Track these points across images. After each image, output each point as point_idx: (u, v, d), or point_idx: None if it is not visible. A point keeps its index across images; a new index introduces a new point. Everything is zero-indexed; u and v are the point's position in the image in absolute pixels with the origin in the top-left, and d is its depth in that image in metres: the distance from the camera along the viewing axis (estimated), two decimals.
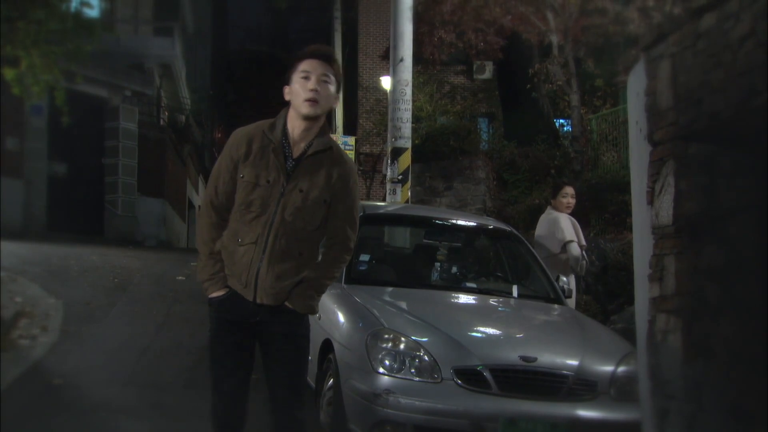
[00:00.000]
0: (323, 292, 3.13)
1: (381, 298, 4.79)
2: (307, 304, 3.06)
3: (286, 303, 3.01)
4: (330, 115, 19.70)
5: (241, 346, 3.06)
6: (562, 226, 6.62)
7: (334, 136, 17.98)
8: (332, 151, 3.05)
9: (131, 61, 16.33)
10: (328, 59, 3.00)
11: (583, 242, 6.86)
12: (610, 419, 3.90)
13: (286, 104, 3.10)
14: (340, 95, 2.99)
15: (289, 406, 3.06)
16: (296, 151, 3.01)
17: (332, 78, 2.99)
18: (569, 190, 6.85)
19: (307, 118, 2.98)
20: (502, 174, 13.23)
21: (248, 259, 2.95)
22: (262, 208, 2.95)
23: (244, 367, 3.09)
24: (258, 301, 2.97)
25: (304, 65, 2.98)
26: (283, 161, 2.98)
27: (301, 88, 2.95)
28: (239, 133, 3.06)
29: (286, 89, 3.03)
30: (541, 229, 6.84)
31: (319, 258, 3.11)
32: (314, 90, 2.93)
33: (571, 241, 6.56)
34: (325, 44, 3.10)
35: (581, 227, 6.94)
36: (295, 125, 3.01)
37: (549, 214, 6.82)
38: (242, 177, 2.97)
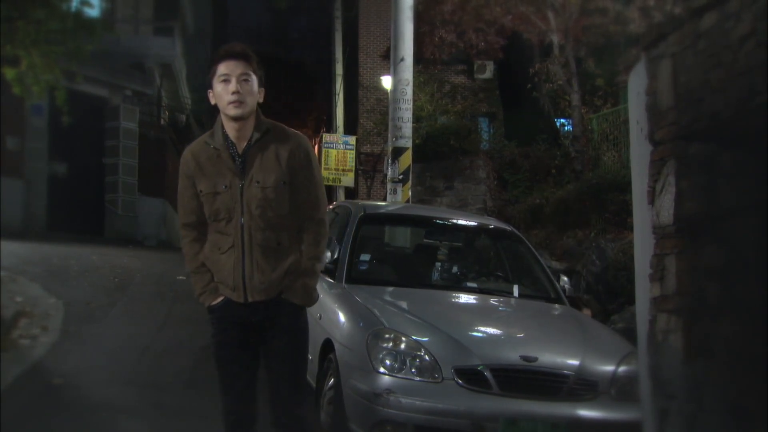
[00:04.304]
0: (316, 275, 3.11)
1: (382, 297, 4.79)
2: (305, 294, 3.06)
3: (284, 296, 3.03)
4: (331, 115, 19.72)
5: (244, 347, 3.08)
6: None
7: (334, 136, 18.07)
8: (273, 132, 3.06)
9: (131, 60, 16.32)
10: (244, 57, 3.01)
11: None
12: (611, 419, 3.90)
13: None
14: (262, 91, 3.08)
15: (288, 401, 3.08)
16: (240, 149, 3.04)
17: (252, 76, 3.01)
18: None
19: (236, 119, 3.00)
20: (502, 174, 13.22)
21: (231, 263, 3.01)
22: (228, 213, 3.01)
23: (250, 367, 3.11)
24: (250, 299, 3.00)
25: (222, 68, 2.99)
26: (231, 162, 3.02)
27: (223, 92, 2.98)
28: (185, 153, 3.13)
29: (210, 93, 3.06)
30: None
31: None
32: (236, 92, 2.96)
33: None
34: (240, 44, 3.12)
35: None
36: (229, 127, 3.05)
37: None
38: (202, 192, 3.04)
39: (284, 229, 3.04)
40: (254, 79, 3.01)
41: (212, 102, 3.07)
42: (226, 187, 3.00)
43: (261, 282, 2.99)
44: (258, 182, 2.99)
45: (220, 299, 3.06)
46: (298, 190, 3.06)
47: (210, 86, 3.05)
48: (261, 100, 3.07)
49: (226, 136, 3.05)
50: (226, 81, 2.97)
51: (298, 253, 3.07)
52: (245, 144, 3.04)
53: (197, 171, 3.04)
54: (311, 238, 3.09)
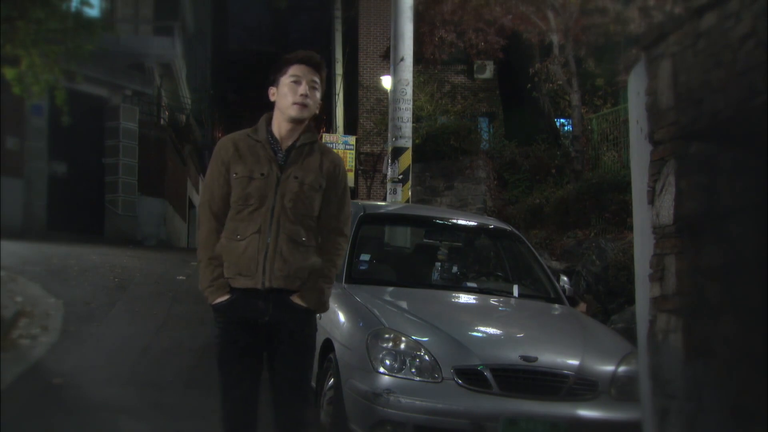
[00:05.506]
0: (331, 284, 3.14)
1: (382, 297, 4.79)
2: (319, 298, 3.07)
3: (297, 300, 3.01)
4: (330, 115, 19.72)
5: (249, 350, 3.04)
6: None
7: (334, 136, 18.08)
8: (318, 143, 3.18)
9: (131, 60, 16.33)
10: (317, 67, 3.11)
11: None
12: (611, 419, 3.90)
13: None
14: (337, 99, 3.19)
15: (292, 406, 3.06)
16: (284, 147, 3.11)
17: (319, 85, 3.11)
18: None
19: (294, 120, 3.08)
20: (502, 174, 13.21)
21: (254, 248, 2.98)
22: (260, 200, 3.01)
23: (253, 372, 3.07)
24: (267, 284, 2.96)
25: (295, 69, 3.08)
26: (273, 154, 3.07)
27: (290, 92, 3.06)
28: (224, 139, 3.17)
29: (272, 90, 3.13)
30: None
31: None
32: (304, 95, 3.05)
33: None
34: (313, 50, 3.23)
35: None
36: (280, 126, 3.12)
37: None
38: (236, 175, 3.04)
39: (310, 229, 3.07)
40: (320, 88, 3.12)
41: (272, 98, 3.14)
42: (263, 174, 3.03)
43: (281, 269, 2.97)
44: (296, 177, 3.04)
45: (225, 297, 3.00)
46: (329, 202, 3.12)
47: (273, 83, 3.12)
48: (317, 112, 3.18)
49: (270, 133, 3.12)
50: (297, 83, 3.06)
51: (318, 257, 3.08)
52: (290, 144, 3.11)
53: (235, 156, 3.06)
54: (332, 248, 3.13)
